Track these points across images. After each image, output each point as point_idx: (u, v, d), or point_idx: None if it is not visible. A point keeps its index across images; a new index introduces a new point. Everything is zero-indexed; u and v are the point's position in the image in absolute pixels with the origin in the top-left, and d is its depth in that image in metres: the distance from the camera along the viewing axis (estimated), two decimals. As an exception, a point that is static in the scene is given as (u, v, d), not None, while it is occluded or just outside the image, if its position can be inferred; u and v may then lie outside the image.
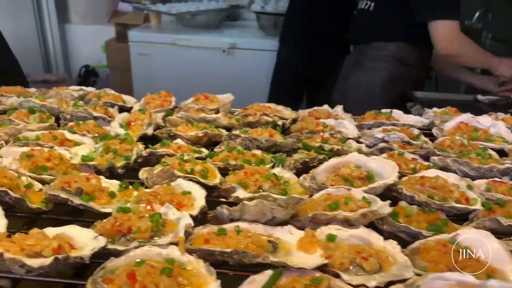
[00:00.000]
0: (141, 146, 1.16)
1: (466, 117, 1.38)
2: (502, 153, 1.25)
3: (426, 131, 1.41)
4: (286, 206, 0.80)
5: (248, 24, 4.47)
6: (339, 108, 1.50)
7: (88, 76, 4.90)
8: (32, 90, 1.61)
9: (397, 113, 1.47)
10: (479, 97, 2.35)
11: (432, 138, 1.37)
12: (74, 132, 1.23)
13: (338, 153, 1.16)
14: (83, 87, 1.61)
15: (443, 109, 1.52)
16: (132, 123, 1.28)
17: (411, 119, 1.46)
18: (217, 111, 1.45)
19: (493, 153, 1.20)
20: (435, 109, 1.53)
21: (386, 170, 1.00)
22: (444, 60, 2.23)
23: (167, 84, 3.82)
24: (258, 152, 1.16)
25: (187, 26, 4.13)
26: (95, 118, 1.33)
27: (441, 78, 2.93)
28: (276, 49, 3.33)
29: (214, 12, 4.17)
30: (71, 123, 1.31)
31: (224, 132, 1.27)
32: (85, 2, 4.89)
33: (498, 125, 1.35)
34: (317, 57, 3.03)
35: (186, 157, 1.05)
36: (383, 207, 0.84)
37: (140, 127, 1.28)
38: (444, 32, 1.98)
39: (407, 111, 2.24)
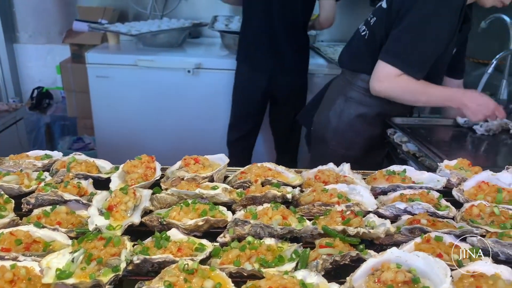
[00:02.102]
0: (129, 244, 0.95)
1: (486, 175, 1.26)
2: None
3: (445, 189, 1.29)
4: None
5: (211, 42, 4.35)
6: (345, 167, 1.35)
7: (41, 99, 4.54)
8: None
9: (409, 170, 1.34)
10: (459, 119, 2.30)
11: (451, 199, 1.24)
12: (43, 226, 1.00)
13: (363, 237, 1.01)
14: (48, 152, 1.35)
15: (455, 161, 1.40)
16: (114, 209, 1.06)
17: (425, 177, 1.32)
18: (210, 178, 1.25)
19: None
20: (446, 162, 1.41)
21: (432, 269, 0.85)
22: None
23: (129, 108, 3.66)
24: (272, 241, 0.98)
25: (148, 45, 3.94)
26: (67, 201, 1.10)
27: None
28: None
29: (177, 31, 3.98)
30: (37, 211, 1.07)
31: (226, 214, 1.08)
32: (35, 20, 4.56)
33: (520, 182, 1.24)
34: (277, 73, 2.97)
35: (190, 264, 0.85)
36: None
37: (124, 213, 1.06)
38: (377, 72, 1.99)
39: (387, 138, 2.19)
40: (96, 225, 1.00)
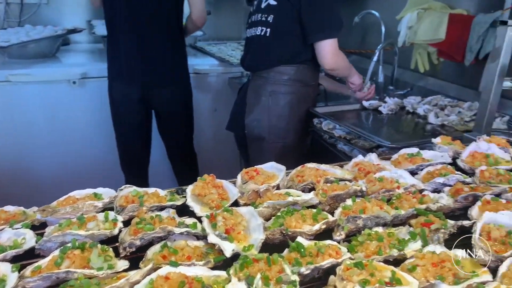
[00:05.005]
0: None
1: (475, 145, 1.61)
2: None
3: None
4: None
5: (90, 49, 4.15)
6: (373, 156, 1.55)
7: None
8: (22, 209, 1.14)
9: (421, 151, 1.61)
10: (364, 103, 2.75)
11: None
12: (179, 264, 0.95)
13: (439, 211, 1.23)
14: (94, 190, 1.21)
15: (439, 139, 1.72)
16: (232, 231, 1.06)
17: (430, 154, 1.61)
18: (277, 186, 1.31)
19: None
20: (437, 140, 1.72)
21: (517, 222, 1.11)
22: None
23: (2, 132, 3.20)
24: (381, 229, 1.12)
25: (17, 58, 3.53)
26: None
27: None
28: None
29: (51, 39, 3.67)
30: (151, 252, 1.00)
31: (328, 215, 1.17)
32: None
33: (492, 147, 1.62)
34: (153, 85, 2.93)
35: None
36: None
37: (244, 232, 1.07)
38: (331, 50, 2.32)
39: (313, 127, 2.54)
40: (233, 250, 1.00)
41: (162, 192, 1.27)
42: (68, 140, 3.35)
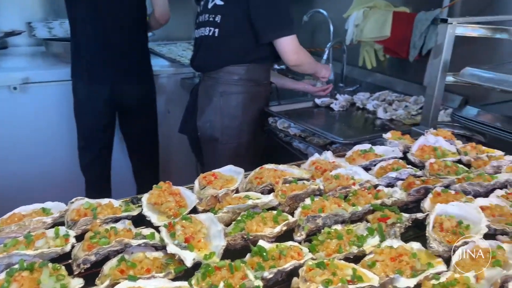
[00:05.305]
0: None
1: (423, 138, 1.67)
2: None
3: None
4: None
5: (31, 52, 3.96)
6: (328, 154, 1.57)
7: None
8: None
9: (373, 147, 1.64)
10: (317, 100, 2.82)
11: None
12: (138, 278, 0.91)
13: (394, 205, 1.26)
14: (42, 205, 1.14)
15: (389, 134, 1.77)
16: (192, 240, 1.03)
17: (382, 149, 1.65)
18: (236, 190, 1.30)
19: (461, 166, 1.53)
20: (387, 135, 1.77)
21: (468, 213, 1.16)
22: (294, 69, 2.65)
23: None
24: (339, 227, 1.14)
25: None
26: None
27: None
28: None
29: None
30: (107, 267, 0.95)
31: (288, 216, 1.17)
32: None
33: (439, 140, 1.69)
34: (119, 82, 2.89)
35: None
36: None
37: (205, 240, 1.04)
38: (291, 46, 2.34)
39: (269, 126, 2.56)
40: (194, 259, 0.97)
41: (116, 203, 1.22)
42: (11, 151, 3.16)
